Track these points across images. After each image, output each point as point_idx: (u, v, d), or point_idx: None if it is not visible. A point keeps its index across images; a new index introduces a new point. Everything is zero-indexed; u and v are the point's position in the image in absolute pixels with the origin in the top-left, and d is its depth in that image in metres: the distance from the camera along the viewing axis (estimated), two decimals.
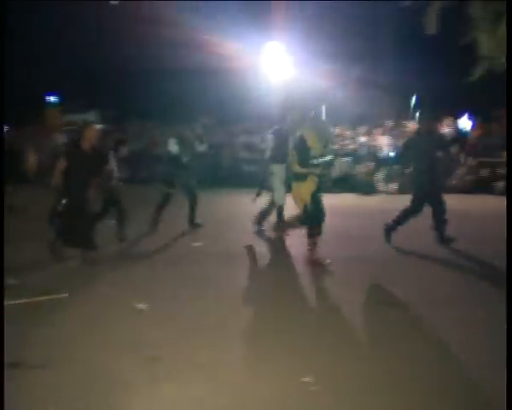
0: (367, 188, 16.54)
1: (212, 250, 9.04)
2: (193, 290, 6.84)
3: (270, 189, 10.18)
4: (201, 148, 10.60)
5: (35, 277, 7.32)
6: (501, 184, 16.09)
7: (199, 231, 10.28)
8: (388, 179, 16.73)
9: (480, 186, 16.70)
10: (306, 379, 4.31)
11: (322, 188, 7.98)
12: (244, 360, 4.77)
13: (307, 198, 7.67)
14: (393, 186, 16.50)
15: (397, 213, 9.17)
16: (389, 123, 19.10)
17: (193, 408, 4.01)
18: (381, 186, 16.66)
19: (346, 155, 18.03)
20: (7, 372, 4.18)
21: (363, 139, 18.49)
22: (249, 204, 10.34)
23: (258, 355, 4.88)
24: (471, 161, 17.92)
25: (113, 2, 21.84)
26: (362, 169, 17.26)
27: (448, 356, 4.86)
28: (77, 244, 8.08)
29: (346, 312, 6.04)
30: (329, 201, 11.07)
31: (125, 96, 22.63)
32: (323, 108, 7.91)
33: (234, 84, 19.46)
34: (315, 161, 7.63)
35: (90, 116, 19.40)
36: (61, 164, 8.06)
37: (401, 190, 15.94)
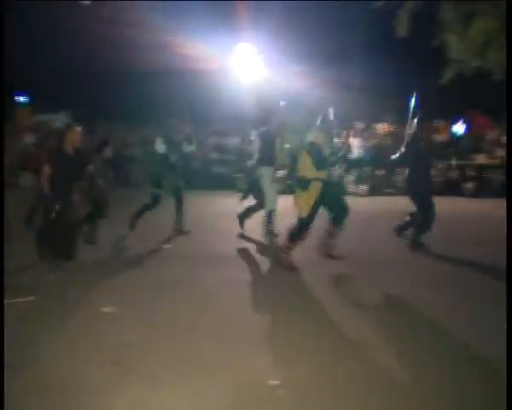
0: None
1: (182, 252, 8.97)
2: (162, 293, 6.76)
3: (256, 195, 10.04)
4: (189, 148, 10.45)
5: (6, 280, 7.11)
6: (470, 186, 16.25)
7: (169, 233, 10.10)
8: (359, 181, 16.74)
9: (450, 188, 16.84)
10: (273, 382, 4.26)
11: (335, 191, 7.94)
12: (212, 363, 4.68)
13: (306, 208, 7.59)
14: (364, 188, 16.52)
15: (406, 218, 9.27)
16: (360, 125, 19.16)
17: None
18: (351, 188, 16.64)
19: None
20: None
21: (334, 141, 18.47)
22: (219, 205, 10.24)
23: (225, 357, 4.79)
24: (441, 163, 18.08)
25: (85, 2, 21.58)
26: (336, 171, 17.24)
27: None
28: (56, 253, 7.89)
29: (317, 312, 6.02)
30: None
31: (94, 97, 22.39)
32: (331, 109, 7.78)
33: (204, 86, 19.36)
34: (332, 159, 7.67)
35: (61, 117, 19.19)
36: (47, 170, 7.86)
37: (371, 192, 16.01)
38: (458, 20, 18.78)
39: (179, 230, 10.20)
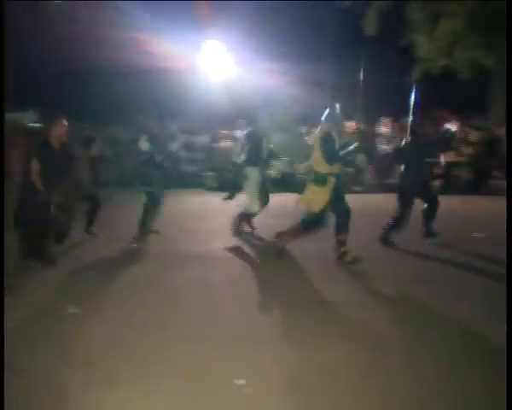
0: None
1: (150, 251, 8.85)
2: (130, 292, 6.68)
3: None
4: (174, 147, 10.28)
5: None
6: (437, 184, 16.34)
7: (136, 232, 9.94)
8: None
9: None
10: (240, 382, 4.23)
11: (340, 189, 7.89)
12: (180, 362, 4.64)
13: (320, 204, 7.56)
14: None
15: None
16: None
17: None
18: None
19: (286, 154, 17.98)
20: None
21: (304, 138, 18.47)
22: (187, 203, 10.14)
23: (194, 357, 4.74)
24: None
25: (56, 1, 21.28)
26: (301, 169, 17.18)
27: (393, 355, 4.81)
28: (29, 253, 7.73)
29: (284, 310, 6.01)
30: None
31: (58, 96, 22.08)
32: (338, 105, 7.76)
33: (172, 84, 19.22)
34: (344, 151, 7.63)
35: (29, 115, 18.87)
36: (36, 165, 7.67)
37: (345, 190, 16.02)
38: (426, 20, 19.00)
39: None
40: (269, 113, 11.39)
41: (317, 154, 7.64)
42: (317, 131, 7.85)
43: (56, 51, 19.83)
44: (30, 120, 16.41)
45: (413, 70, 19.90)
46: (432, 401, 4.04)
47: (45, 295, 6.53)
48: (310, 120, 18.60)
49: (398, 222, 9.01)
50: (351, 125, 18.96)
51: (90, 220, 9.68)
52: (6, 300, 5.72)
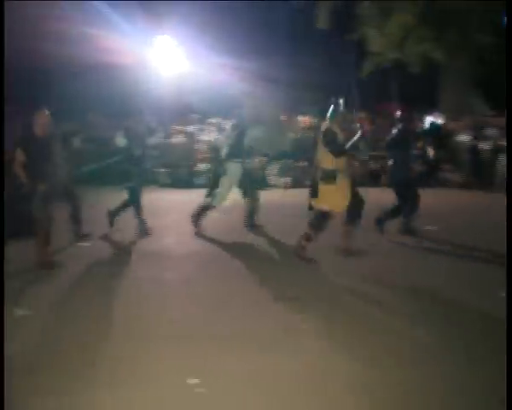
0: (260, 182, 16.47)
1: (100, 249, 8.70)
2: (78, 292, 6.60)
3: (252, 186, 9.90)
4: (152, 140, 10.10)
5: None
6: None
7: (86, 231, 9.74)
8: (281, 173, 16.75)
9: (371, 179, 17.08)
10: (193, 381, 4.18)
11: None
12: (132, 362, 4.57)
13: (343, 203, 7.56)
14: (287, 180, 16.54)
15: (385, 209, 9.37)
16: (283, 117, 19.22)
17: None
18: (273, 180, 16.63)
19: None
20: None
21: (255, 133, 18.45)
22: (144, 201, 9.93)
23: (147, 356, 4.68)
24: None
25: None
26: (254, 164, 17.15)
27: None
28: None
29: (239, 308, 5.95)
30: None
31: (7, 93, 21.58)
32: (341, 101, 7.70)
33: (123, 79, 18.94)
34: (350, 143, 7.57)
35: None
36: (20, 155, 7.53)
37: (294, 184, 16.04)
38: (377, 15, 19.21)
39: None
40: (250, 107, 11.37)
41: (322, 151, 7.63)
42: (321, 129, 7.83)
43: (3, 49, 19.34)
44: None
45: (364, 64, 20.09)
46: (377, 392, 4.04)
47: None
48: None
49: (393, 212, 9.25)
50: (304, 120, 19.04)
51: (77, 220, 9.35)
52: None
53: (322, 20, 20.06)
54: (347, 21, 19.80)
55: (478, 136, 16.41)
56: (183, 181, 16.45)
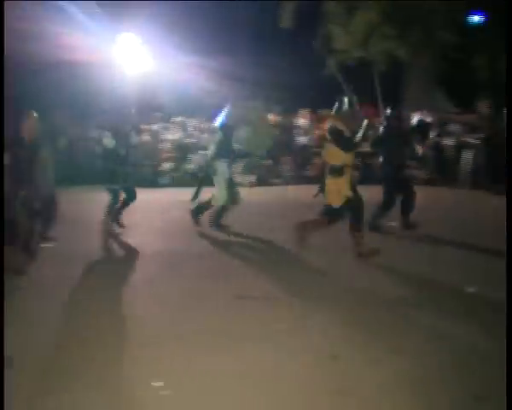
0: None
1: (63, 251, 8.45)
2: (38, 294, 6.42)
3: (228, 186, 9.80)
4: (136, 139, 9.99)
5: None
6: (354, 173, 16.51)
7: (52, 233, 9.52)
8: (246, 172, 16.67)
9: None
10: (157, 383, 4.09)
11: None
12: (95, 366, 4.44)
13: (348, 192, 7.47)
14: (251, 178, 16.47)
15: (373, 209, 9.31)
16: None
17: None
18: (238, 178, 16.53)
19: (204, 148, 17.89)
20: None
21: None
22: (105, 200, 9.76)
23: (109, 359, 4.56)
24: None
25: None
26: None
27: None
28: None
29: (204, 309, 5.84)
30: (183, 195, 10.84)
31: None
32: (346, 99, 7.72)
33: (85, 78, 18.65)
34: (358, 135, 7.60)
35: None
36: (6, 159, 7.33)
37: (259, 183, 16.00)
38: (342, 13, 19.34)
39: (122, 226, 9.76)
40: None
41: (330, 147, 7.61)
42: (327, 126, 7.79)
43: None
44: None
45: (329, 62, 20.16)
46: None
47: None
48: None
49: (384, 209, 9.29)
50: (271, 118, 19.05)
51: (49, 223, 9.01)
52: None
53: (286, 20, 20.15)
54: (313, 20, 19.87)
55: (442, 132, 16.56)
56: (147, 180, 16.28)
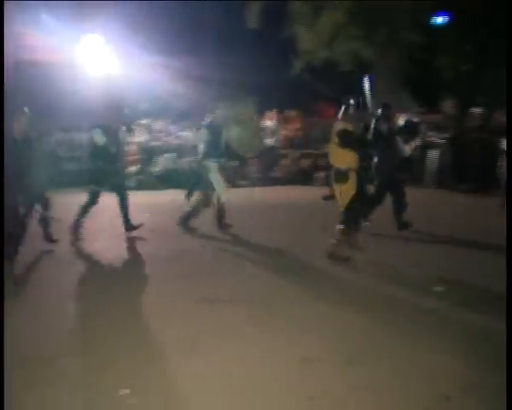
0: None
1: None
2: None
3: (204, 187, 9.70)
4: (128, 137, 9.81)
5: None
6: (321, 175, 16.55)
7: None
8: None
9: (301, 177, 17.18)
10: (124, 391, 3.97)
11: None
12: (60, 372, 4.33)
13: (345, 200, 7.42)
14: None
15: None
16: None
17: None
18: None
19: (170, 150, 17.78)
20: None
21: (187, 134, 18.22)
22: (73, 205, 9.54)
23: (77, 369, 4.43)
24: (294, 153, 18.36)
25: None
26: (186, 164, 16.90)
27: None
28: None
29: (176, 311, 5.72)
30: (149, 198, 10.70)
31: None
32: (353, 101, 7.65)
33: (46, 78, 18.32)
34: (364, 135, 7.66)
35: None
36: None
37: (230, 184, 15.88)
38: (308, 13, 19.34)
39: (131, 228, 9.50)
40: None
41: (336, 151, 7.54)
42: (334, 130, 7.67)
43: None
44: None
45: (295, 62, 20.15)
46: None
47: None
48: (191, 115, 18.42)
49: (400, 206, 9.33)
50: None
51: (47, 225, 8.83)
52: None
53: (252, 20, 20.10)
54: (279, 20, 19.85)
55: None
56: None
